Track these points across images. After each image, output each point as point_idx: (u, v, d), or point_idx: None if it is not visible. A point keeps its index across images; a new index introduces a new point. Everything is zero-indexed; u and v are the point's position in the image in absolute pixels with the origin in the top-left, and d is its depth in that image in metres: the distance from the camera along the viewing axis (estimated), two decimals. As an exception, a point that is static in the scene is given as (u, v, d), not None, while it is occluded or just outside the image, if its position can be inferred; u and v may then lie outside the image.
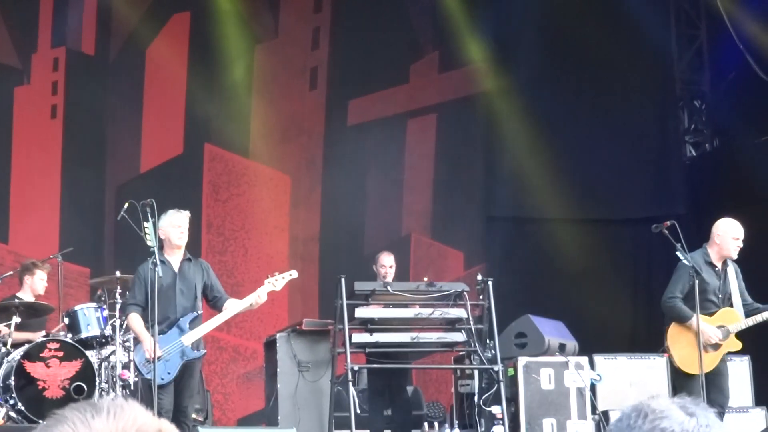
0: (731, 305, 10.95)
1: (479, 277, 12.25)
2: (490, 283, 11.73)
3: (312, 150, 16.67)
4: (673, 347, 10.77)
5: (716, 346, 10.72)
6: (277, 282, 10.84)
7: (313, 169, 16.62)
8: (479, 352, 11.56)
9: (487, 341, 11.68)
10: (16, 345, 11.32)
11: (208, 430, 9.97)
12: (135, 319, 10.28)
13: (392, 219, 16.66)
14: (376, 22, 16.44)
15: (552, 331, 12.36)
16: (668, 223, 11.57)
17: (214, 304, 10.59)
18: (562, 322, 12.75)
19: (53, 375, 11.05)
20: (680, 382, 10.89)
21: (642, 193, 16.40)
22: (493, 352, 11.53)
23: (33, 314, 11.75)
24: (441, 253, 16.71)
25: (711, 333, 10.71)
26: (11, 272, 12.71)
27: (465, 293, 11.65)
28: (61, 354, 11.13)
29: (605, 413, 11.98)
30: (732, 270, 11.02)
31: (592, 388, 12.00)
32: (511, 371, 11.76)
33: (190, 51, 16.32)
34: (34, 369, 11.00)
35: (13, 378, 10.96)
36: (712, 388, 10.72)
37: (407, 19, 16.59)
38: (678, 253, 11.48)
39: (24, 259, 12.93)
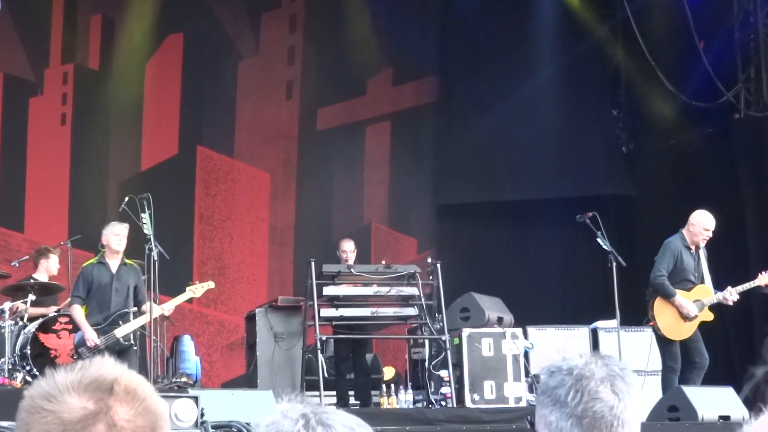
0: (703, 282, 11.07)
1: (429, 259, 12.27)
2: (438, 265, 11.76)
3: (288, 151, 16.64)
4: (658, 318, 10.92)
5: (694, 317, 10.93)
6: (197, 290, 11.15)
7: (288, 167, 16.60)
8: (429, 324, 11.58)
9: (436, 315, 11.70)
10: (31, 319, 11.26)
11: (197, 392, 9.93)
12: (77, 310, 10.64)
13: (355, 210, 16.66)
14: (339, 42, 16.43)
15: (491, 306, 12.39)
16: (590, 213, 11.65)
17: (136, 304, 10.80)
18: (500, 299, 12.80)
19: (63, 345, 10.99)
20: (663, 346, 11.07)
21: (564, 180, 16.29)
22: (441, 324, 11.56)
23: (46, 292, 11.73)
24: (397, 239, 16.72)
25: (689, 306, 10.86)
26: (27, 257, 12.68)
27: (417, 274, 11.70)
28: (70, 327, 11.05)
29: (536, 376, 12.03)
30: (702, 252, 11.12)
31: (526, 354, 12.00)
32: (456, 341, 11.75)
33: (184, 66, 16.25)
34: (47, 340, 10.94)
35: (29, 347, 10.90)
36: (695, 353, 10.89)
37: (365, 39, 16.60)
38: (599, 240, 11.56)
39: (38, 245, 12.88)
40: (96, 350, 10.40)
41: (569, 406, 2.30)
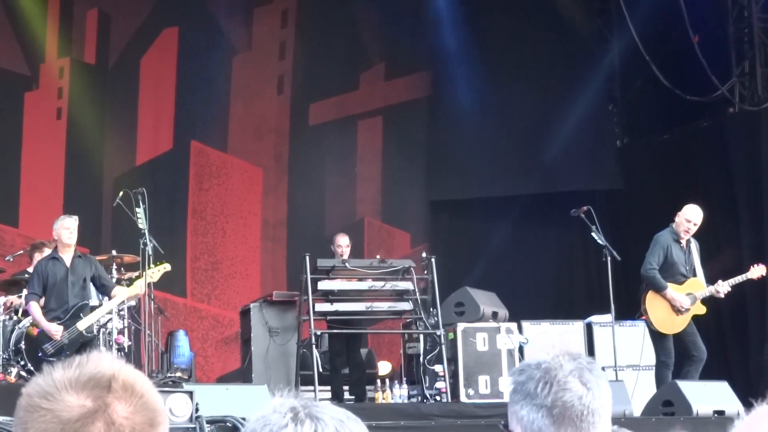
0: (695, 275, 11.08)
1: (424, 254, 12.24)
2: (433, 259, 11.72)
3: (280, 146, 16.62)
4: (651, 311, 10.93)
5: (686, 310, 10.92)
6: (153, 275, 10.97)
7: (281, 162, 16.58)
8: (424, 319, 11.55)
9: (431, 310, 11.67)
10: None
11: (192, 386, 9.92)
12: (34, 307, 10.51)
13: (348, 205, 16.63)
14: (331, 37, 16.43)
15: (486, 301, 12.37)
16: (585, 208, 11.65)
17: (103, 291, 10.81)
18: (495, 293, 12.79)
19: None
20: (656, 340, 11.08)
21: (558, 174, 16.26)
22: (436, 319, 11.53)
23: (40, 287, 11.70)
24: (390, 234, 16.71)
25: (681, 300, 10.86)
26: (21, 251, 12.65)
27: (412, 268, 11.67)
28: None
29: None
30: (694, 246, 11.12)
31: (521, 349, 11.99)
32: (451, 335, 11.74)
33: (179, 60, 16.23)
34: (41, 334, 10.91)
35: (23, 342, 10.88)
36: (691, 347, 10.91)
37: (357, 34, 16.61)
38: (593, 234, 11.56)
39: (33, 240, 12.85)
40: (60, 345, 10.40)
41: (539, 397, 2.35)
